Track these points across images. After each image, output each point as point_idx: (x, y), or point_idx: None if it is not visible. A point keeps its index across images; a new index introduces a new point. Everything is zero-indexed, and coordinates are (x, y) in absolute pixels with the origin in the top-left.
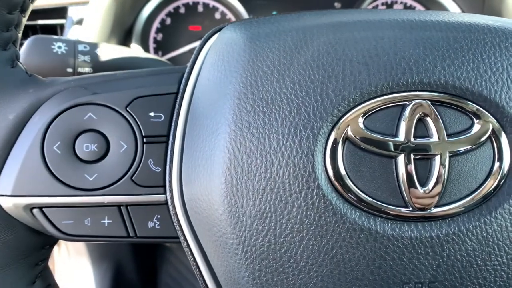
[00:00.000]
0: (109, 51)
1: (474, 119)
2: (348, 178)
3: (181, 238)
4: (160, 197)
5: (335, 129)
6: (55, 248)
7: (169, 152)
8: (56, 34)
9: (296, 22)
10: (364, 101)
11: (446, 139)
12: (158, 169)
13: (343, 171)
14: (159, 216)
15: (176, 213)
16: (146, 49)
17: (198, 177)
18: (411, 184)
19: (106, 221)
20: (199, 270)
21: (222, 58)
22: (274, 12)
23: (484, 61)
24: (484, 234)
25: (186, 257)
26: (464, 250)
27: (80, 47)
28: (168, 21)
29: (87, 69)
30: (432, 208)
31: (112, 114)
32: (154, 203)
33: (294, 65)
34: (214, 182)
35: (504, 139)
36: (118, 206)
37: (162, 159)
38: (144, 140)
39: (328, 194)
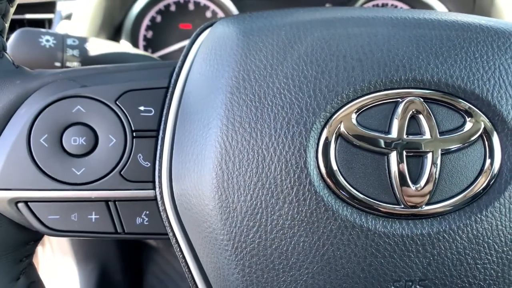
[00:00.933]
0: (99, 46)
1: (466, 117)
2: (340, 175)
3: (170, 234)
4: (149, 193)
5: (328, 125)
6: (39, 247)
7: (159, 147)
8: (44, 28)
9: (290, 17)
10: (357, 98)
11: (438, 136)
12: (147, 164)
13: (335, 168)
14: (147, 212)
15: (165, 209)
16: (136, 46)
17: (189, 172)
18: (403, 181)
19: (93, 216)
20: (188, 267)
21: (214, 52)
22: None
23: (476, 59)
24: (475, 233)
25: (172, 258)
26: (454, 248)
27: (69, 41)
28: (159, 18)
29: (75, 64)
30: (424, 206)
31: (101, 108)
32: (143, 199)
33: (288, 60)
34: (205, 177)
35: (495, 138)
36: (106, 201)
37: (151, 154)
38: (134, 135)
39: (320, 190)
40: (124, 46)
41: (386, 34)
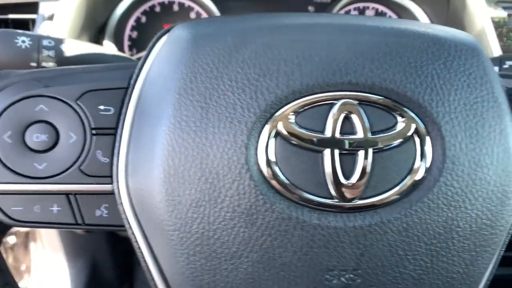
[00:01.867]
0: (75, 47)
1: (398, 118)
2: (278, 171)
3: (127, 226)
4: (107, 187)
5: (267, 125)
6: (32, 243)
7: (116, 144)
8: (28, 29)
9: (238, 23)
10: (296, 99)
11: (370, 136)
12: (106, 160)
13: (274, 164)
14: (107, 205)
15: (121, 202)
16: (121, 47)
17: (142, 167)
18: (336, 177)
19: (55, 208)
20: (143, 257)
21: (168, 55)
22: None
23: (410, 64)
24: (405, 226)
25: None
26: (386, 240)
27: (45, 42)
28: (144, 19)
29: (51, 64)
30: (357, 200)
31: (62, 107)
32: (101, 193)
33: (232, 63)
34: (154, 172)
35: (426, 138)
36: (67, 194)
37: (110, 151)
38: (93, 132)
39: (259, 185)
40: (105, 47)
41: (326, 40)
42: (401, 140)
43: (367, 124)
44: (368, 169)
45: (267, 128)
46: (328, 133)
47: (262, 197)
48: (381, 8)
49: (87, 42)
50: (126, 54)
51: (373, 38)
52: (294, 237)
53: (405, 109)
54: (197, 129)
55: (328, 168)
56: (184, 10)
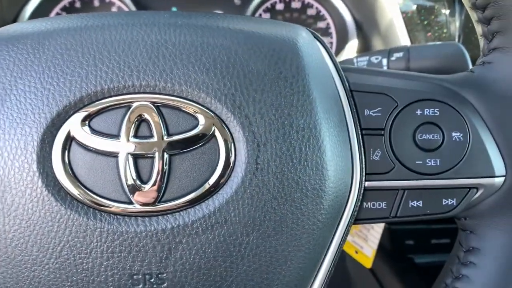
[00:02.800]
0: None
1: (198, 120)
2: (74, 177)
3: None
4: None
5: (61, 130)
6: None
7: None
8: None
9: (44, 25)
10: (89, 103)
11: (166, 138)
12: None
13: (69, 170)
14: None
15: None
16: None
17: None
18: (132, 181)
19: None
20: None
21: None
22: (174, 8)
23: (216, 65)
24: (209, 225)
25: None
26: (191, 241)
27: None
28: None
29: None
30: (157, 204)
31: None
32: None
33: (28, 69)
34: None
35: (227, 137)
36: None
37: None
38: None
39: (55, 193)
40: None
41: (128, 39)
42: (201, 141)
43: (163, 127)
44: (166, 172)
45: (61, 134)
46: (122, 138)
47: (56, 203)
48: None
49: None
50: None
51: (181, 38)
52: (94, 243)
53: (206, 110)
54: None
55: (123, 174)
56: (105, 5)
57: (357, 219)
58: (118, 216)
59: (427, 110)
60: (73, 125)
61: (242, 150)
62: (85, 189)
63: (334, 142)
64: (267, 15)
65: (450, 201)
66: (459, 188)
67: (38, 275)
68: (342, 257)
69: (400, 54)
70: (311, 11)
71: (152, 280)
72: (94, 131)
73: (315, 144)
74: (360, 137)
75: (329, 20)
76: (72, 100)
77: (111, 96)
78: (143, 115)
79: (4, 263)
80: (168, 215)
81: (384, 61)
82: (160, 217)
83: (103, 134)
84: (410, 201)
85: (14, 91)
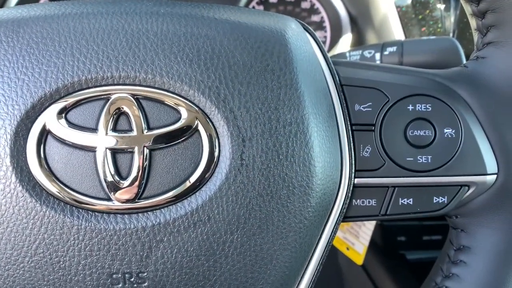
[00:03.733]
0: None
1: (180, 113)
2: (50, 172)
3: None
4: None
5: (36, 123)
6: None
7: None
8: None
9: (20, 12)
10: (66, 95)
11: (146, 132)
12: None
13: (45, 165)
14: None
15: None
16: None
17: None
18: (111, 177)
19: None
20: None
21: None
22: None
23: (199, 56)
24: (191, 223)
25: None
26: (172, 239)
27: None
28: None
29: None
30: (138, 201)
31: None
32: None
33: (1, 58)
34: None
35: (211, 132)
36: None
37: None
38: None
39: (30, 188)
40: None
41: (108, 27)
42: (184, 136)
43: (143, 121)
44: (147, 167)
45: (36, 127)
46: (100, 132)
47: (31, 200)
48: None
49: None
50: None
51: (164, 26)
52: (71, 241)
53: (189, 103)
54: None
55: (101, 169)
56: None
57: (346, 217)
58: (96, 213)
59: (419, 106)
60: (49, 118)
61: (226, 145)
62: (61, 185)
63: (322, 137)
64: (260, 8)
65: (441, 199)
66: (450, 186)
67: (13, 274)
68: (334, 254)
69: (393, 49)
70: (305, 4)
71: (132, 280)
72: (71, 124)
73: (303, 139)
74: (350, 132)
75: (323, 13)
76: (48, 91)
77: (88, 88)
78: (122, 107)
79: None
80: (149, 213)
81: (377, 56)
82: (140, 214)
83: (80, 127)
84: (400, 199)
85: None
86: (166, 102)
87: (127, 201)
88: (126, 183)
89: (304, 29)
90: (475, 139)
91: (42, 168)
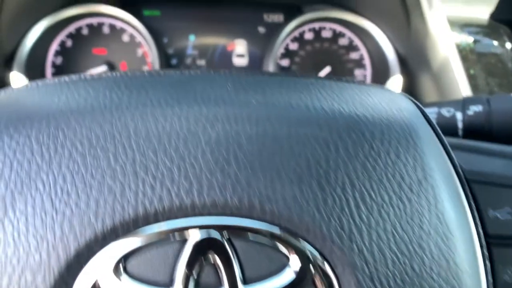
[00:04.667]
0: None
1: (287, 257)
2: None
3: None
4: None
5: (80, 282)
6: None
7: None
8: None
9: (52, 99)
10: (123, 236)
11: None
12: None
13: None
14: None
15: None
16: (42, 74)
17: None
18: None
19: None
20: None
21: None
22: (192, 36)
23: (310, 172)
24: None
25: None
26: None
27: None
28: (69, 43)
29: None
30: None
31: None
32: None
33: (33, 178)
34: None
35: (334, 282)
36: None
37: None
38: None
39: None
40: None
41: (184, 129)
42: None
43: (238, 272)
44: None
45: (81, 279)
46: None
47: None
48: (339, 28)
49: None
50: None
51: (255, 127)
52: None
53: (300, 245)
54: None
55: None
56: (116, 32)
57: None
58: None
59: None
60: (102, 271)
61: None
62: None
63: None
64: (295, 45)
65: None
66: None
67: None
68: None
69: (478, 108)
70: (342, 41)
71: None
72: (133, 278)
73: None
74: (485, 249)
75: (363, 50)
76: (100, 231)
77: (158, 222)
78: (208, 254)
79: None
80: None
81: (459, 115)
82: None
83: (147, 282)
84: None
85: (10, 214)
86: (269, 242)
87: None
88: None
89: (421, 112)
90: None
91: None
